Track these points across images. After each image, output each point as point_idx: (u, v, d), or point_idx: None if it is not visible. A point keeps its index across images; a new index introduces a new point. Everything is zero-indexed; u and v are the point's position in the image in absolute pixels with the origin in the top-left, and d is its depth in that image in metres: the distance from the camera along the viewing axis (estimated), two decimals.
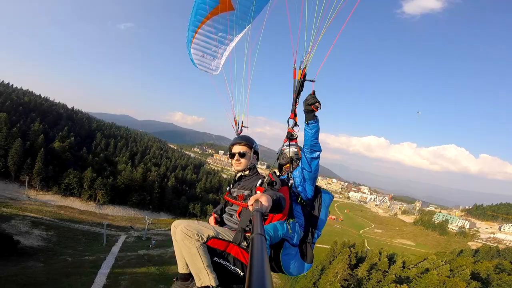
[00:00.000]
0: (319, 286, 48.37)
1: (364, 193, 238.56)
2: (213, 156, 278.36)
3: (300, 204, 2.92)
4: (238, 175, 2.94)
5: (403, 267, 51.35)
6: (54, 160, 76.20)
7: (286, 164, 3.37)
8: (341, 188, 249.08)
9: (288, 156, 3.19)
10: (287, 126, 2.85)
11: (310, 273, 54.66)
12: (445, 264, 50.78)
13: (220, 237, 2.45)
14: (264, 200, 1.70)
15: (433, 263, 53.75)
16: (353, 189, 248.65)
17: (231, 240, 2.43)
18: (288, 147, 3.15)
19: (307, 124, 2.68)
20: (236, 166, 2.85)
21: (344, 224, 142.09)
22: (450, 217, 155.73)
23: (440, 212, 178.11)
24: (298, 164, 3.12)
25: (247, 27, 4.22)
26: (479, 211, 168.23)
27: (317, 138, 2.72)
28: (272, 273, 1.83)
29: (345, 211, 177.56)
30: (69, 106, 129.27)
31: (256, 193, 2.32)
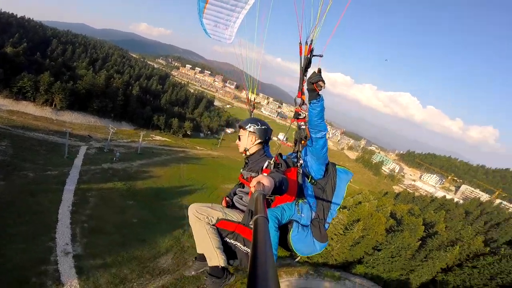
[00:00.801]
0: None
1: None
2: (179, 69, 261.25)
3: (312, 184, 2.95)
4: (245, 157, 3.14)
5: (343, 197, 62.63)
6: (6, 64, 66.42)
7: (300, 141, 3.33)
8: None
9: (304, 134, 3.08)
10: (294, 105, 2.83)
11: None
12: (374, 200, 62.56)
13: (229, 218, 2.67)
14: (266, 182, 1.74)
15: (366, 197, 65.85)
16: None
17: (239, 221, 2.62)
18: (304, 125, 3.06)
19: (310, 103, 2.65)
20: (239, 149, 3.12)
21: None
22: (386, 159, 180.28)
23: (379, 153, 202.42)
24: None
25: None
26: (410, 158, 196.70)
27: (321, 118, 2.68)
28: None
29: None
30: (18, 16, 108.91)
31: (263, 174, 2.36)
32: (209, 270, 2.61)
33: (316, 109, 2.59)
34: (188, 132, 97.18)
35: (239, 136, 3.14)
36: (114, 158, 52.73)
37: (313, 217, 2.84)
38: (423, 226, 42.15)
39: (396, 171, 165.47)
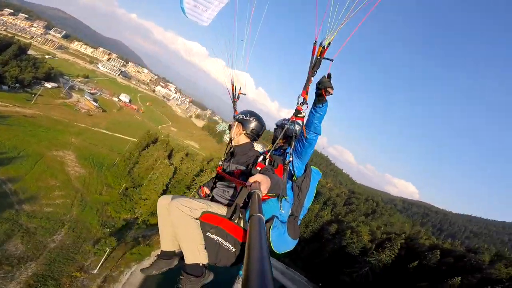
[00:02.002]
0: (136, 171, 54.47)
1: (170, 90, 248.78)
2: None
3: (293, 181, 3.04)
4: (231, 150, 3.12)
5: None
6: None
7: (282, 139, 3.40)
8: (149, 80, 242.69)
9: (295, 133, 3.22)
10: (296, 103, 2.83)
11: (121, 163, 58.56)
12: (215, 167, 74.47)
13: (214, 211, 2.49)
14: (264, 182, 1.91)
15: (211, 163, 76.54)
16: (161, 84, 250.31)
17: (224, 215, 2.48)
18: (292, 124, 3.18)
19: (315, 106, 2.72)
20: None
21: (144, 117, 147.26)
22: (227, 129, 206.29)
23: (222, 123, 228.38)
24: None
25: None
26: None
27: (321, 122, 2.78)
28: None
29: (147, 103, 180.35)
30: None
31: (256, 168, 2.48)
32: (187, 268, 2.43)
33: (319, 113, 2.70)
34: None
35: (229, 125, 3.21)
36: None
37: (289, 213, 2.92)
38: None
39: None
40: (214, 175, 3.22)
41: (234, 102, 4.03)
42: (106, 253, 25.72)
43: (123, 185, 52.19)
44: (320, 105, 2.67)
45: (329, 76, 2.58)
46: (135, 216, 42.62)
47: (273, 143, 3.32)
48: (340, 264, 49.13)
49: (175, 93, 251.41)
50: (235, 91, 4.04)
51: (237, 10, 3.79)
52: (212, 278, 2.53)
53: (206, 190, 3.13)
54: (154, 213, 43.64)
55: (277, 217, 2.73)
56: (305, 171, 3.10)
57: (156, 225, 40.50)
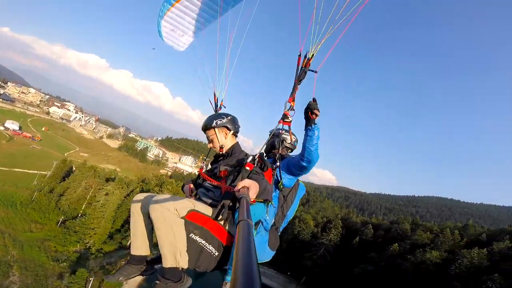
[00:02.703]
0: (65, 203, 50.75)
1: (69, 110, 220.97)
2: None
3: (279, 189, 3.19)
4: (217, 154, 3.13)
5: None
6: None
7: (277, 149, 3.54)
8: (40, 101, 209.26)
9: (288, 142, 3.57)
10: (284, 108, 2.99)
11: (42, 197, 52.38)
12: (156, 186, 72.70)
13: (200, 210, 2.42)
14: (253, 188, 1.96)
15: (150, 183, 74.53)
16: (56, 104, 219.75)
17: (209, 215, 2.43)
18: (287, 133, 3.43)
19: (307, 129, 2.90)
20: (213, 149, 3.10)
21: (43, 145, 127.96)
22: (149, 146, 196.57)
23: (141, 140, 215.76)
24: (288, 154, 3.60)
25: (229, 10, 4.39)
26: (169, 143, 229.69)
27: (315, 146, 2.90)
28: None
29: (43, 128, 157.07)
30: None
31: (245, 168, 2.49)
32: (165, 272, 2.31)
33: (309, 135, 2.92)
34: None
35: (209, 138, 3.06)
36: None
37: (272, 222, 3.05)
38: None
39: (160, 156, 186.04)
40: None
41: (216, 112, 4.09)
42: (91, 282, 24.53)
43: (59, 219, 48.89)
44: (310, 128, 2.91)
45: (314, 100, 2.89)
46: (87, 247, 39.51)
47: (266, 149, 3.67)
48: (299, 250, 55.72)
49: (76, 112, 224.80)
50: (217, 102, 4.20)
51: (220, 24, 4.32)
52: (190, 283, 2.47)
53: (193, 188, 3.12)
54: (107, 242, 41.22)
55: (262, 223, 2.82)
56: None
57: (114, 251, 38.76)
